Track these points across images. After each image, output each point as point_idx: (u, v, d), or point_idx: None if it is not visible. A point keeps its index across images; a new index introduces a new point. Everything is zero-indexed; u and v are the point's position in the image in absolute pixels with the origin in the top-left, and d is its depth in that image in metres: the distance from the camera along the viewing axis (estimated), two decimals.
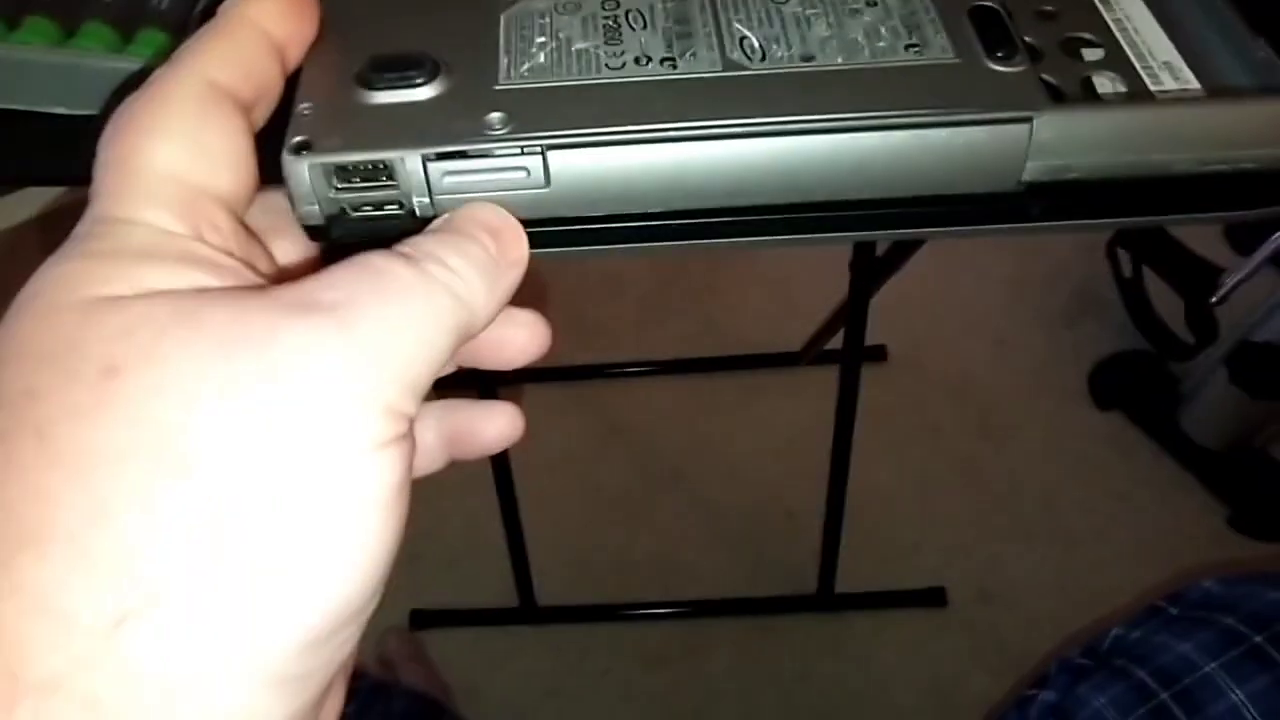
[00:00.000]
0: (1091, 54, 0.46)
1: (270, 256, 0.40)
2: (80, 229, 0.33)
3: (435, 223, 0.38)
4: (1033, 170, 0.41)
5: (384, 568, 0.32)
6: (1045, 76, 0.44)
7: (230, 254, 0.34)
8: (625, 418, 1.97)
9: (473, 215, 0.38)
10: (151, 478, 0.28)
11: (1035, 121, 0.41)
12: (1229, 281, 1.47)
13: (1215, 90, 0.44)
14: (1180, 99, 0.43)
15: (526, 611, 1.66)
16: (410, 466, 0.32)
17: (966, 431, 1.91)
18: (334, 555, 0.30)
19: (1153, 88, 0.44)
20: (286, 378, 0.30)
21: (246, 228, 0.37)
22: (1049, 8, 0.47)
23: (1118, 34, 0.47)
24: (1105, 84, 0.44)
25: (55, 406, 0.29)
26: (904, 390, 1.96)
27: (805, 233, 0.43)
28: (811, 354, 1.90)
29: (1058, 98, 0.43)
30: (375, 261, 0.33)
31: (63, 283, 0.31)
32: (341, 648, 0.32)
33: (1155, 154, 0.42)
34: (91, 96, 0.52)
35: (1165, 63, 0.45)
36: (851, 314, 1.45)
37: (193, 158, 0.34)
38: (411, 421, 0.32)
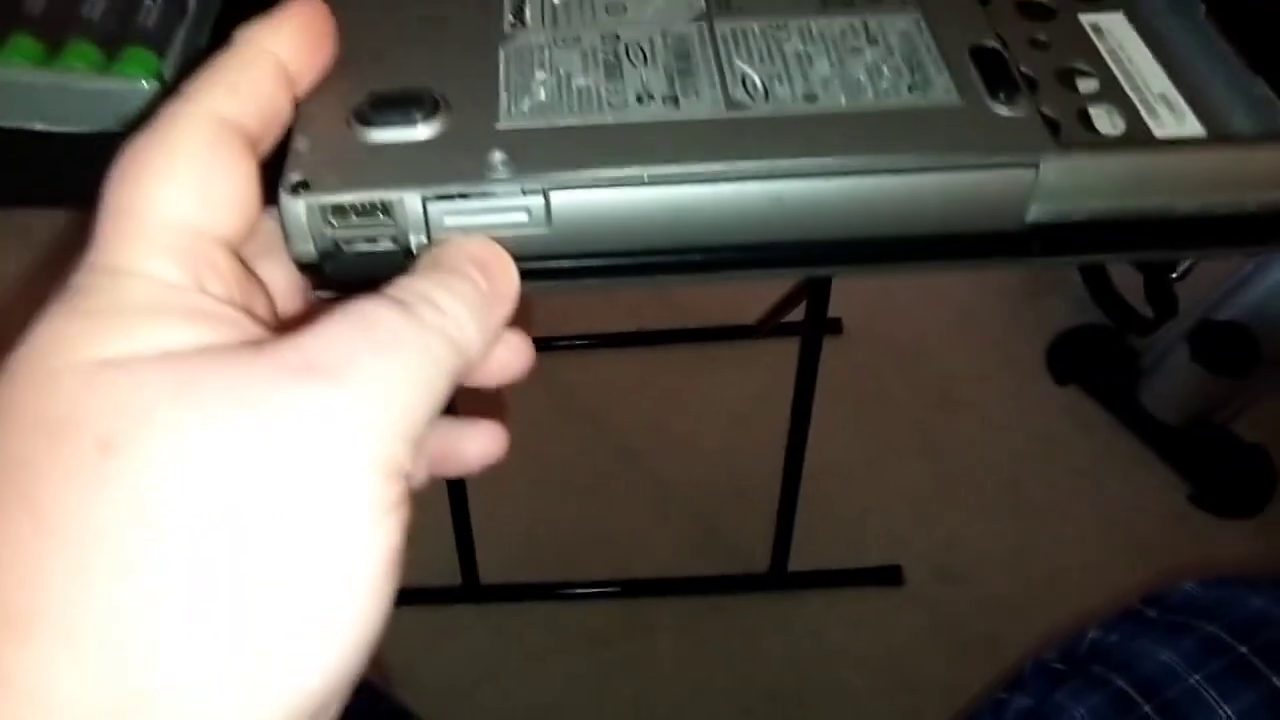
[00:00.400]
0: (1086, 85, 0.46)
1: (264, 288, 0.39)
2: (80, 279, 0.32)
3: (424, 258, 0.38)
4: (1036, 212, 0.42)
5: (379, 631, 0.31)
6: (1042, 108, 0.44)
7: (231, 301, 0.34)
8: (574, 391, 1.95)
9: (462, 250, 0.37)
10: (147, 558, 0.28)
11: (1040, 167, 0.41)
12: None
13: (1216, 133, 0.44)
14: (1183, 144, 0.44)
15: (469, 590, 1.64)
16: (407, 525, 0.32)
17: (924, 405, 1.91)
18: (334, 629, 0.30)
19: (1149, 121, 0.45)
20: (286, 449, 0.29)
21: (244, 263, 0.37)
22: (1042, 37, 0.48)
23: (1112, 64, 0.47)
24: (1102, 115, 0.45)
25: (51, 482, 0.29)
26: (860, 363, 1.95)
27: (805, 266, 0.44)
28: (768, 327, 1.86)
29: (1054, 130, 0.43)
30: (371, 313, 0.33)
31: (61, 344, 0.30)
32: (327, 715, 0.31)
33: (1158, 197, 0.42)
34: (76, 115, 0.51)
35: (1160, 95, 0.46)
36: (814, 288, 1.45)
37: (200, 204, 0.33)
38: (409, 474, 0.32)
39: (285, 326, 0.33)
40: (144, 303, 0.31)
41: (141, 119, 0.37)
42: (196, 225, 0.33)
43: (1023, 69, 0.46)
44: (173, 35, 0.54)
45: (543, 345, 1.95)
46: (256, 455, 0.29)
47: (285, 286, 0.41)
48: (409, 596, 1.61)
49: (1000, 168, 0.41)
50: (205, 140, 0.34)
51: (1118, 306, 1.86)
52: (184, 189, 0.33)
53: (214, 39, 0.55)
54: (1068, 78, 0.47)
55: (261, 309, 0.37)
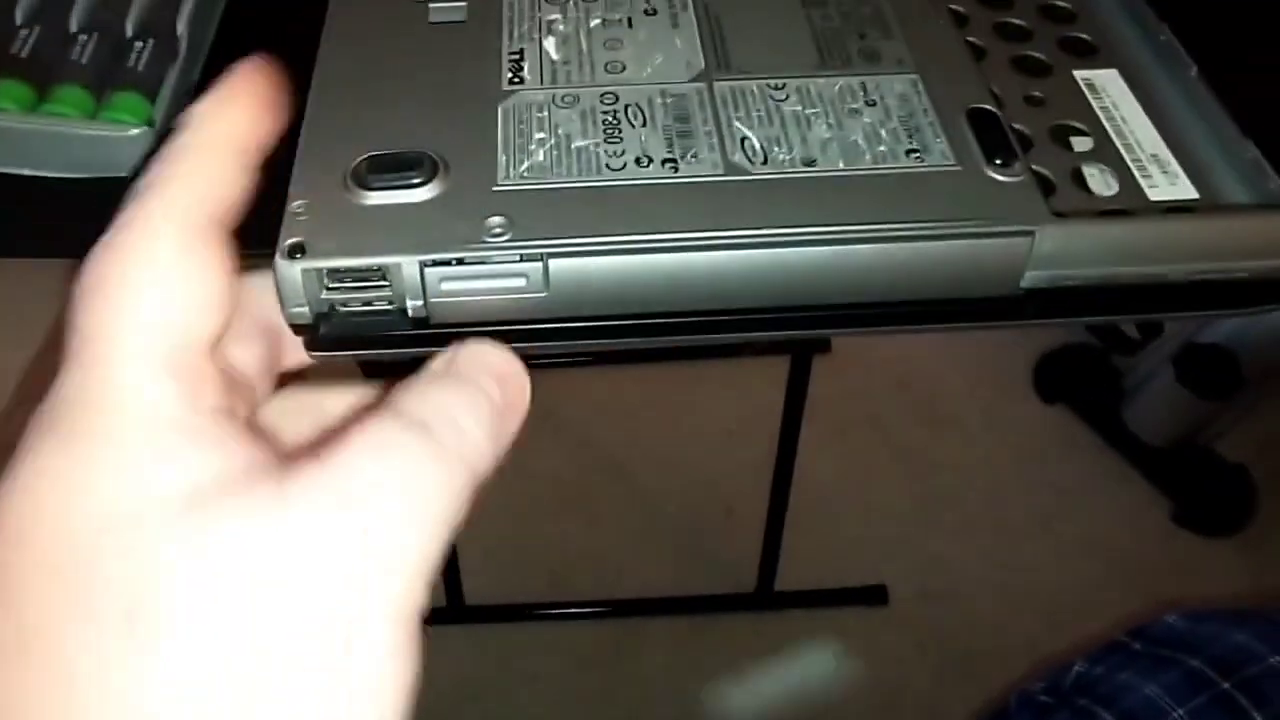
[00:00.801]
0: (1081, 143, 0.47)
1: (241, 375, 0.38)
2: (63, 409, 0.30)
3: (438, 363, 0.36)
4: (1031, 279, 0.42)
5: None
6: (1036, 167, 0.44)
7: (224, 409, 0.32)
8: (561, 408, 1.94)
9: (481, 360, 0.36)
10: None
11: (1036, 235, 0.41)
12: None
13: (1208, 196, 0.45)
14: (1176, 214, 0.44)
15: (454, 610, 1.63)
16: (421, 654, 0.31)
17: (911, 424, 1.91)
18: None
19: (1142, 182, 0.45)
20: (313, 600, 0.28)
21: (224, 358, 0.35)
22: (1037, 93, 0.49)
23: (1105, 123, 0.48)
24: (1095, 175, 0.45)
25: (82, 657, 0.27)
26: (848, 381, 1.94)
27: (801, 329, 0.43)
28: (758, 345, 1.85)
29: (1049, 191, 0.44)
30: (394, 442, 0.31)
31: (65, 492, 0.29)
32: None
33: (1151, 265, 0.42)
34: (65, 161, 0.51)
35: (1153, 155, 0.46)
36: None
37: (178, 314, 0.31)
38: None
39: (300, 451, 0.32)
40: (141, 435, 0.30)
41: (135, 167, 0.37)
42: (178, 337, 0.31)
43: (1018, 127, 0.46)
44: (164, 77, 0.53)
45: (529, 361, 1.96)
46: (283, 612, 0.28)
47: (258, 367, 0.39)
48: None
49: (997, 236, 0.41)
50: (172, 244, 0.32)
51: (1105, 327, 1.86)
52: (160, 301, 0.31)
53: (204, 80, 0.55)
54: (1062, 136, 0.47)
55: (243, 401, 0.36)
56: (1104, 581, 1.68)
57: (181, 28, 0.54)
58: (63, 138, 0.50)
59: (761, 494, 1.55)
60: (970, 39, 0.51)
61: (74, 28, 0.54)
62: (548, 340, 0.42)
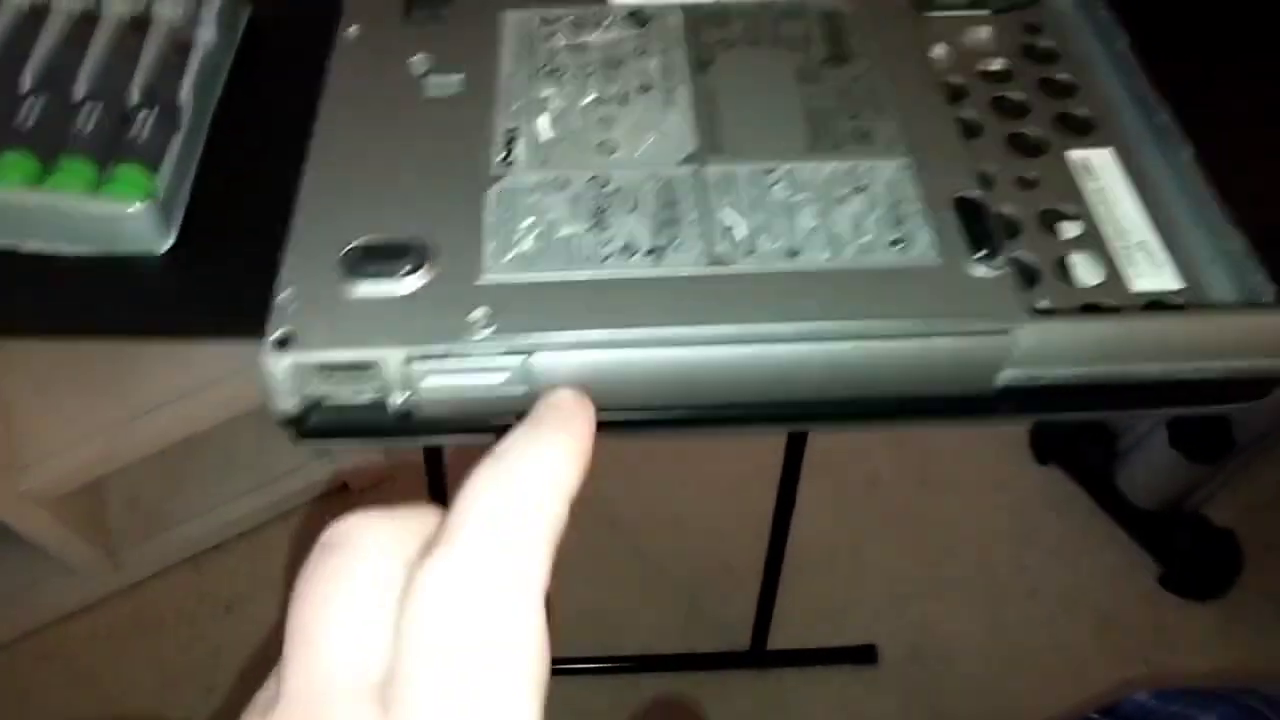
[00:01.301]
0: (1069, 228, 0.47)
1: None
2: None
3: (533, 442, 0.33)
4: (1007, 376, 0.42)
5: None
6: (1022, 254, 0.45)
7: None
8: None
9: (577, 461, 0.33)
10: None
11: (1011, 335, 0.41)
12: None
13: (1194, 292, 0.45)
14: (1154, 313, 0.44)
15: None
16: None
17: (907, 484, 1.90)
18: None
19: (1127, 271, 0.45)
20: None
21: None
22: (1030, 175, 0.49)
23: (1096, 206, 0.48)
24: (1081, 263, 0.46)
25: None
26: (847, 440, 1.93)
27: (779, 424, 0.44)
28: None
29: (1033, 278, 0.45)
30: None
31: None
32: None
33: (1126, 364, 0.42)
34: (69, 236, 0.52)
35: (1141, 243, 0.47)
36: None
37: (380, 642, 0.29)
38: None
39: None
40: None
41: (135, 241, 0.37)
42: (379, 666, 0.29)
43: (1007, 211, 0.47)
44: (166, 148, 0.53)
45: None
46: None
47: None
48: None
49: (974, 335, 0.41)
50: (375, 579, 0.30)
51: None
52: (365, 631, 0.30)
53: (208, 151, 0.55)
54: (1051, 221, 0.47)
55: None
56: (1091, 645, 1.68)
57: (184, 96, 0.54)
58: (66, 213, 0.50)
59: (760, 550, 1.55)
60: (967, 115, 0.51)
61: (79, 95, 0.54)
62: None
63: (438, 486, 1.45)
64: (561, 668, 1.63)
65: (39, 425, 1.40)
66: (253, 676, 0.32)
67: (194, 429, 1.48)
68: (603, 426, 0.40)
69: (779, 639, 1.64)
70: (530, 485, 0.31)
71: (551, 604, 0.31)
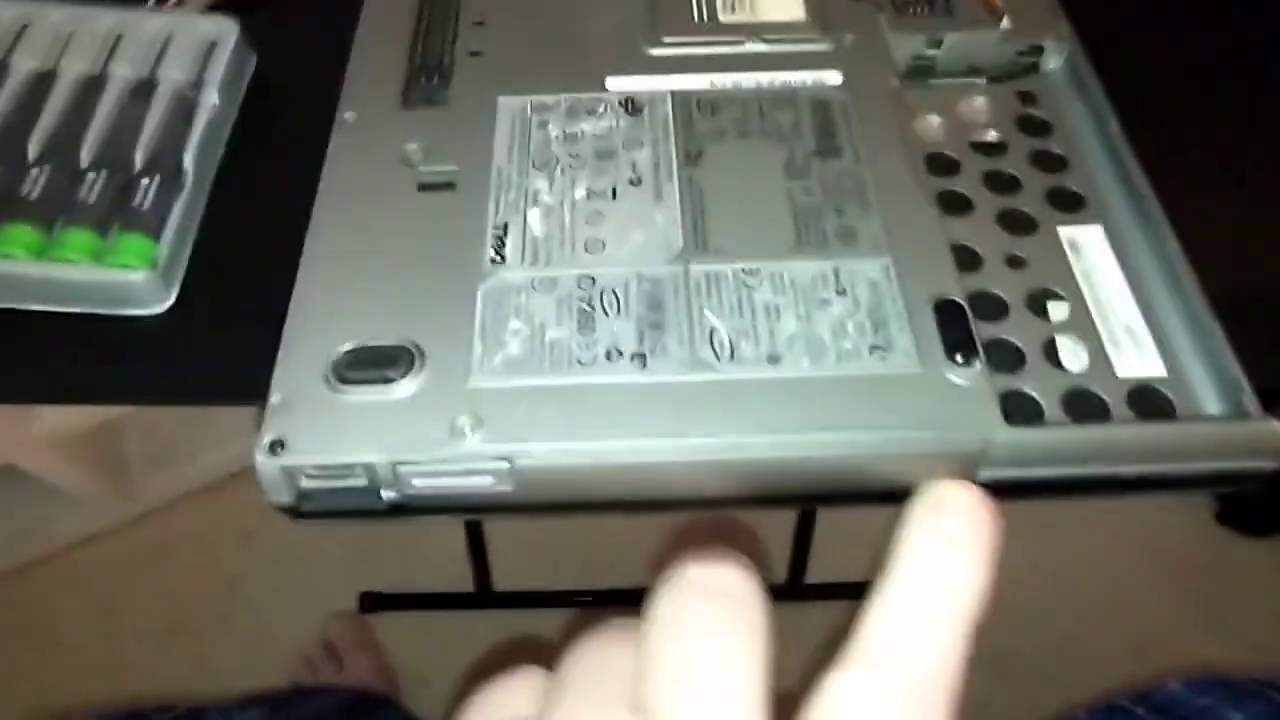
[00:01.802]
0: (1057, 310, 0.48)
1: None
2: None
3: None
4: (986, 476, 0.42)
5: None
6: (1008, 336, 0.46)
7: None
8: None
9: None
10: None
11: (988, 442, 0.42)
12: None
13: (1176, 379, 0.46)
14: (1128, 425, 0.44)
15: (481, 596, 1.62)
16: None
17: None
18: None
19: (1112, 355, 0.46)
20: None
21: None
22: (1020, 253, 0.49)
23: (1083, 286, 0.48)
24: (1067, 346, 0.46)
25: None
26: None
27: (754, 507, 0.43)
28: None
29: (1020, 362, 0.45)
30: None
31: None
32: None
33: (1103, 466, 0.43)
34: (70, 300, 0.52)
35: (1126, 326, 0.47)
36: None
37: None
38: None
39: None
40: None
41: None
42: None
43: (996, 292, 0.48)
44: (168, 215, 0.54)
45: None
46: None
47: None
48: (420, 601, 1.59)
49: (951, 444, 0.42)
50: None
51: None
52: None
53: (208, 212, 0.56)
54: (1039, 302, 0.48)
55: None
56: (1144, 580, 1.66)
57: (188, 162, 0.55)
58: (68, 283, 0.51)
59: None
60: (959, 189, 0.52)
61: (84, 163, 0.54)
62: (514, 515, 0.43)
63: None
64: (585, 599, 1.64)
65: None
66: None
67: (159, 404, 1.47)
68: (583, 508, 0.43)
69: (815, 574, 1.63)
70: (942, 632, 0.29)
71: None
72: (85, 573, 1.63)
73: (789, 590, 1.63)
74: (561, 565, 1.66)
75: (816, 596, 1.63)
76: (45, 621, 1.59)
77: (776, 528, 1.63)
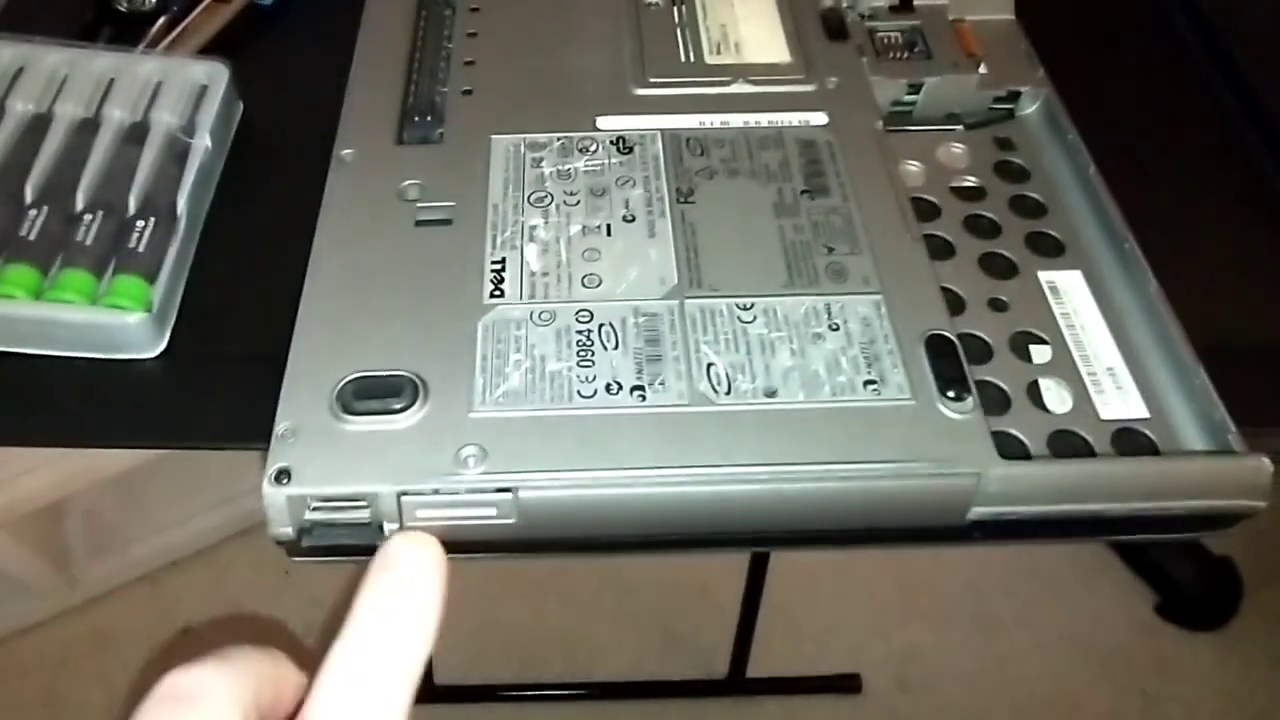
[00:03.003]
0: (1040, 353, 0.49)
1: None
2: None
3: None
4: (977, 512, 0.43)
5: None
6: (993, 379, 0.47)
7: None
8: None
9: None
10: None
11: (981, 477, 0.42)
12: None
13: (1160, 422, 0.47)
14: (1122, 460, 0.46)
15: (424, 690, 1.53)
16: None
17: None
18: None
19: (1095, 398, 0.47)
20: None
21: None
22: (1002, 297, 0.50)
23: (1065, 330, 0.50)
24: (1051, 389, 0.48)
25: None
26: None
27: (746, 548, 0.43)
28: None
29: (1004, 404, 0.46)
30: None
31: None
32: None
33: (1094, 503, 0.44)
34: (66, 343, 0.53)
35: (1109, 369, 0.48)
36: None
37: None
38: None
39: None
40: None
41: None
42: None
43: (979, 334, 0.49)
44: (163, 258, 0.54)
45: None
46: None
47: None
48: None
49: (945, 477, 0.42)
50: None
51: None
52: None
53: (200, 254, 0.56)
54: (1022, 345, 0.49)
55: None
56: (1084, 675, 1.66)
57: (182, 204, 0.55)
58: (65, 324, 0.52)
59: (737, 573, 1.53)
60: (941, 234, 0.53)
61: (80, 206, 0.55)
62: (516, 554, 0.43)
63: None
64: (531, 694, 1.62)
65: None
66: None
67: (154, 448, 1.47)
68: (585, 547, 0.44)
69: (758, 667, 1.62)
70: (380, 672, 0.31)
71: None
72: (27, 662, 1.61)
73: (730, 684, 1.63)
74: (504, 657, 1.64)
75: (758, 691, 1.62)
76: None
77: (717, 619, 1.63)
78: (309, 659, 0.33)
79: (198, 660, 0.30)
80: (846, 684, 1.65)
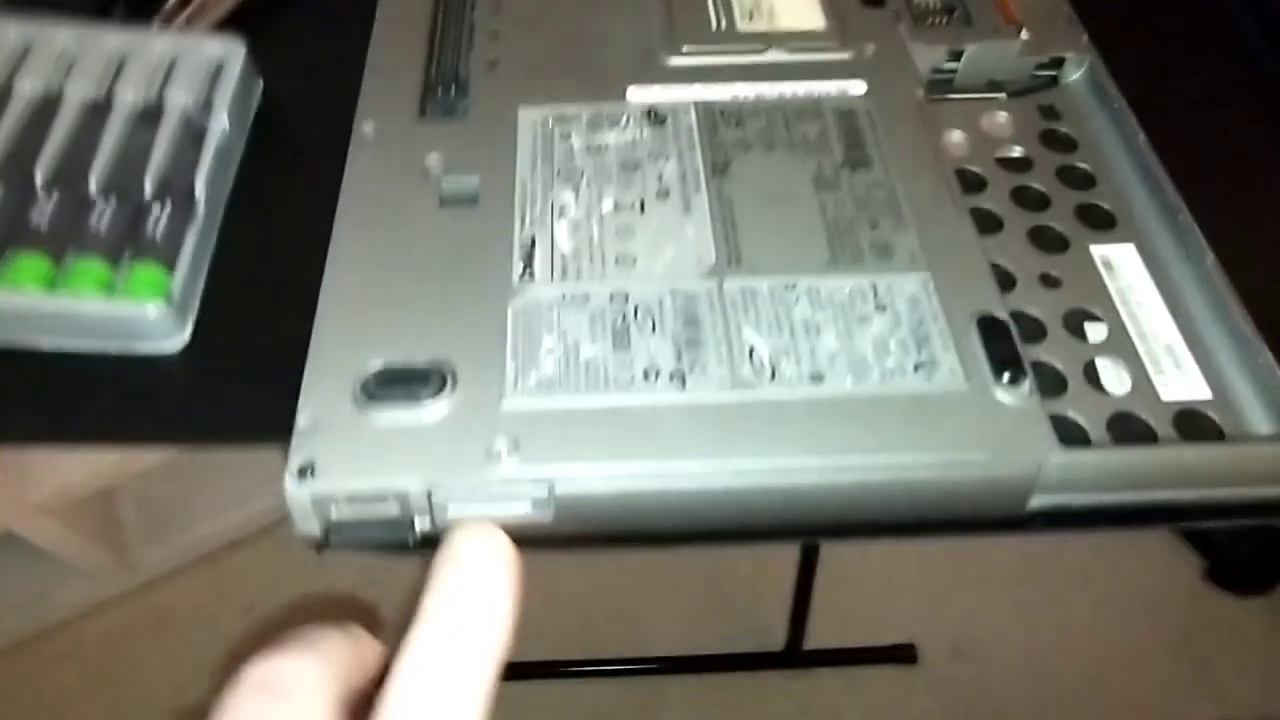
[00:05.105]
0: (1095, 331, 0.46)
1: None
2: None
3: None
4: (1038, 502, 0.41)
5: None
6: (1048, 359, 0.45)
7: None
8: None
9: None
10: None
11: (1042, 466, 0.40)
12: None
13: (1223, 402, 0.44)
14: (1188, 445, 0.43)
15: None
16: None
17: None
18: None
19: (1155, 378, 0.45)
20: None
21: None
22: (1053, 273, 0.48)
23: (1120, 307, 0.47)
24: (1108, 369, 0.45)
25: None
26: None
27: (800, 538, 0.41)
28: None
29: (1060, 386, 0.44)
30: None
31: None
32: None
33: (1159, 491, 0.41)
34: (82, 335, 0.50)
35: (1167, 346, 0.46)
36: None
37: None
38: None
39: None
40: None
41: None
42: None
43: (1032, 312, 0.46)
44: (181, 244, 0.52)
45: None
46: None
47: None
48: None
49: (1003, 467, 0.40)
50: None
51: None
52: None
53: (221, 242, 0.54)
54: (1077, 322, 0.46)
55: None
56: (1137, 639, 1.65)
57: (200, 189, 0.53)
58: (80, 316, 0.50)
59: (792, 546, 1.50)
60: (988, 207, 0.50)
61: (93, 191, 0.53)
62: (553, 548, 0.41)
63: None
64: (589, 669, 1.61)
65: None
66: None
67: (178, 447, 1.46)
68: (624, 541, 0.41)
69: (813, 638, 1.61)
70: (458, 668, 0.30)
71: None
72: (87, 646, 1.61)
73: (787, 657, 1.62)
74: (554, 633, 1.64)
75: (814, 664, 1.62)
76: (48, 696, 1.57)
77: (773, 591, 1.61)
78: (380, 627, 0.33)
79: (282, 647, 0.30)
80: (903, 654, 1.64)
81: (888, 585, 1.72)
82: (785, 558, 1.55)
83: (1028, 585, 1.72)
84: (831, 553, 1.53)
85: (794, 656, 1.62)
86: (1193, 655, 1.63)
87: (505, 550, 0.33)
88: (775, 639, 1.62)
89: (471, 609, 0.31)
